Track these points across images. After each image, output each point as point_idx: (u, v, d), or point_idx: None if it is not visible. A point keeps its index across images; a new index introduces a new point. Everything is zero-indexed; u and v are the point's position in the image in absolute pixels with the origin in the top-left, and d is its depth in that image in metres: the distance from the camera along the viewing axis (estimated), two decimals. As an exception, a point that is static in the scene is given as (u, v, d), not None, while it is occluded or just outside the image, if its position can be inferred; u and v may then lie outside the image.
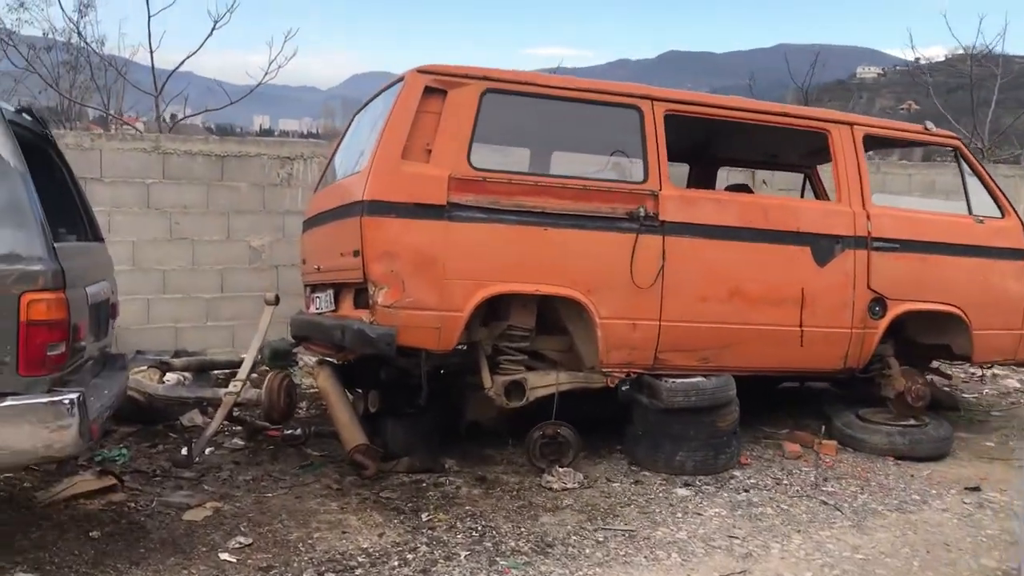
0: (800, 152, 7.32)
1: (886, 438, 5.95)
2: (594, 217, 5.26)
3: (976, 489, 5.33)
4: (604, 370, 5.41)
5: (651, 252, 5.36)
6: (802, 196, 7.84)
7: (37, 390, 3.26)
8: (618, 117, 5.55)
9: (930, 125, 6.42)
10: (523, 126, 5.57)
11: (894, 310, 5.99)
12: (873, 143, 6.15)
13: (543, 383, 5.42)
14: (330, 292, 5.59)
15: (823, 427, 6.19)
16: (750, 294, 5.61)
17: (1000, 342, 6.37)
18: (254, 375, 6.80)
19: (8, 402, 3.19)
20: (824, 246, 5.79)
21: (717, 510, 4.88)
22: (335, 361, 5.88)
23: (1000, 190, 6.49)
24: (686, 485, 5.26)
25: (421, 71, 5.14)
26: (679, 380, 5.43)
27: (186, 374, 6.64)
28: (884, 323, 5.97)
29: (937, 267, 6.11)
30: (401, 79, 5.27)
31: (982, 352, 6.32)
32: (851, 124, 6.11)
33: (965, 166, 6.48)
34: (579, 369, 5.56)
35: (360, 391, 5.92)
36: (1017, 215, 6.46)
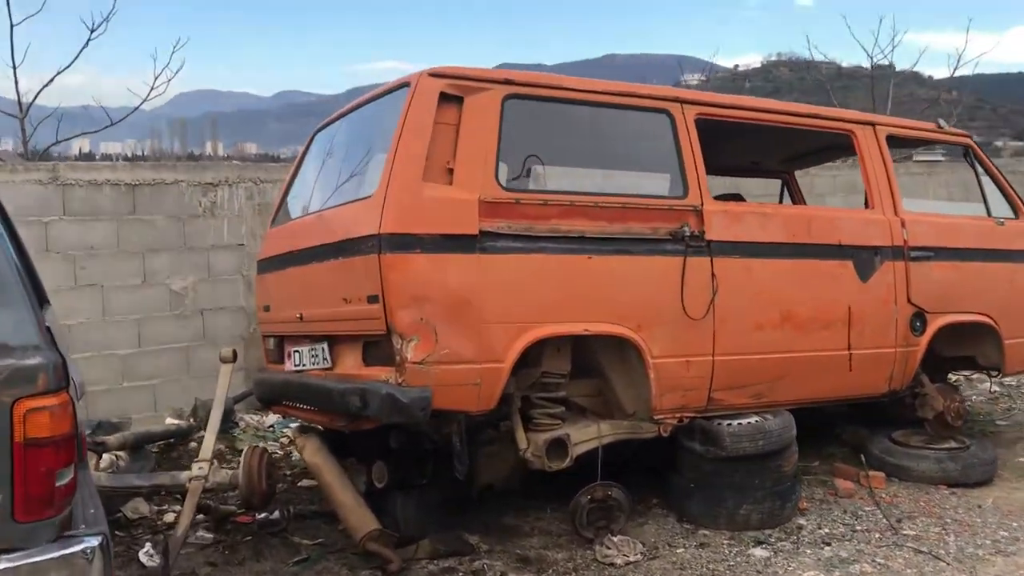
0: (808, 154, 6.82)
1: (936, 464, 5.45)
2: (638, 240, 4.51)
3: (1053, 516, 4.88)
4: (657, 417, 4.65)
5: (701, 277, 4.65)
6: (780, 200, 7.36)
7: (42, 539, 2.21)
8: (649, 123, 4.83)
9: (943, 123, 6.01)
10: (547, 137, 4.76)
11: (934, 324, 5.50)
12: (894, 143, 5.68)
13: (585, 437, 4.61)
14: (322, 346, 4.58)
15: (862, 456, 5.66)
16: (800, 317, 4.99)
17: (1027, 350, 6.01)
18: (193, 444, 5.71)
19: (3, 564, 2.14)
20: (865, 259, 5.24)
21: (812, 573, 4.20)
22: (314, 426, 4.90)
23: (1013, 189, 6.15)
24: (759, 544, 4.57)
25: (434, 75, 4.25)
26: (740, 423, 4.73)
27: (121, 453, 5.44)
28: (925, 339, 5.48)
29: (969, 275, 5.68)
30: (403, 85, 4.36)
31: (1013, 362, 5.93)
32: (873, 124, 5.60)
33: (978, 164, 6.10)
34: (613, 416, 4.80)
35: (354, 461, 4.94)
36: (1031, 214, 6.13)
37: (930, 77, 17.88)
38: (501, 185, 4.23)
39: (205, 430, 6.22)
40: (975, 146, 6.07)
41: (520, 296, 4.19)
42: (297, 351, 4.83)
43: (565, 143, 4.82)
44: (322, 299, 4.48)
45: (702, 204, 4.72)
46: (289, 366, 4.92)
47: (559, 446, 4.46)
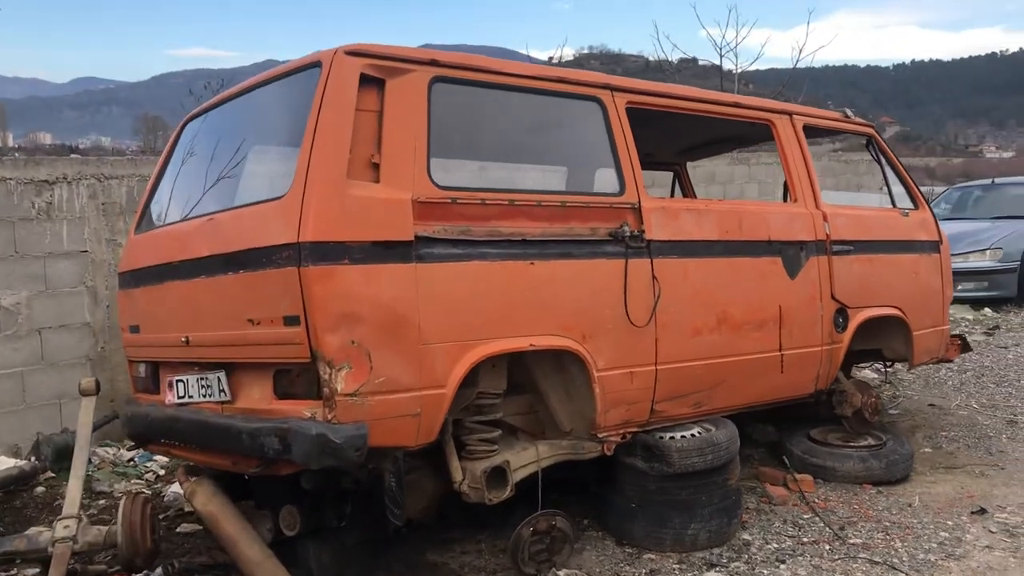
0: (709, 144, 6.57)
1: (861, 463, 5.31)
2: (579, 242, 4.07)
3: (983, 512, 4.82)
4: (600, 435, 4.23)
5: (643, 280, 4.27)
6: (672, 193, 7.12)
7: None
8: (580, 113, 4.38)
9: (849, 112, 5.89)
10: (477, 128, 4.23)
11: (855, 320, 5.36)
12: (809, 133, 5.50)
13: (524, 462, 4.13)
14: (217, 375, 3.86)
15: (784, 458, 5.46)
16: (735, 319, 4.69)
17: (931, 341, 6.00)
18: (40, 489, 4.85)
19: None
20: (793, 255, 5.01)
21: (775, 596, 3.91)
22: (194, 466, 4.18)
23: (912, 180, 6.13)
24: (712, 567, 4.23)
25: (352, 52, 3.63)
26: (685, 436, 4.38)
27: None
28: (848, 335, 5.32)
29: (882, 268, 5.58)
30: (312, 64, 3.72)
31: (920, 353, 5.90)
32: (791, 114, 5.39)
33: (880, 155, 6.03)
34: (547, 435, 4.36)
35: (255, 504, 4.25)
36: (928, 205, 6.13)
37: (729, 72, 18.36)
38: (435, 182, 3.67)
39: (51, 471, 5.34)
40: (878, 136, 5.99)
41: (461, 310, 3.66)
42: (181, 381, 4.08)
43: (496, 134, 4.31)
44: (216, 320, 3.77)
45: (640, 201, 4.33)
46: (170, 398, 4.16)
47: (499, 475, 3.96)
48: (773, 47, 18.17)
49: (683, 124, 5.53)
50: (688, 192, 7.07)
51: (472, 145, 4.30)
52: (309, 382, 3.44)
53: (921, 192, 6.16)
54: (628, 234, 4.21)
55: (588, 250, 4.10)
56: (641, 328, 4.23)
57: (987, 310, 11.15)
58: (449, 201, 3.68)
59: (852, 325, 5.33)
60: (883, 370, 7.06)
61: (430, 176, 3.65)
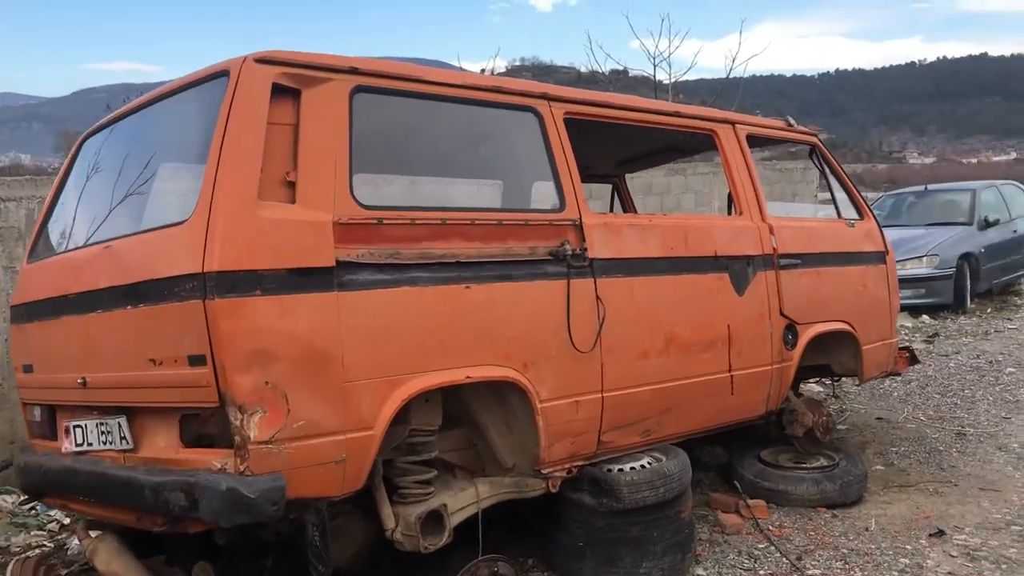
0: (650, 155, 6.33)
1: (815, 486, 5.09)
2: (518, 263, 3.77)
3: (941, 533, 4.64)
4: (545, 470, 3.93)
5: (586, 302, 3.98)
6: (611, 206, 6.87)
7: None
8: (515, 124, 4.09)
9: (791, 121, 5.70)
10: (404, 141, 3.90)
11: (805, 336, 5.15)
12: (752, 143, 5.29)
13: (462, 504, 3.81)
14: (117, 421, 3.46)
15: (736, 483, 5.23)
16: (683, 340, 4.44)
17: (881, 355, 5.83)
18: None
19: None
20: (740, 271, 4.78)
21: (738, 641, 3.64)
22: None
23: (856, 188, 5.96)
24: (667, 607, 3.96)
25: (262, 60, 3.28)
26: (635, 467, 4.10)
27: None
28: (798, 353, 5.11)
29: (830, 281, 5.39)
30: (218, 74, 3.35)
31: (870, 368, 5.72)
32: (733, 123, 5.17)
33: (823, 163, 5.85)
34: (487, 471, 4.05)
35: (165, 560, 3.85)
36: (873, 214, 5.97)
37: (662, 82, 18.34)
38: (358, 201, 3.33)
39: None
40: (821, 144, 5.82)
41: (390, 341, 3.32)
42: (79, 426, 3.66)
43: (426, 148, 3.99)
44: (115, 359, 3.38)
45: (581, 217, 4.05)
46: (67, 445, 3.74)
47: (435, 520, 3.62)
48: (705, 57, 18.18)
49: (623, 135, 5.28)
50: (627, 205, 6.83)
51: (400, 160, 3.97)
52: (218, 429, 3.07)
53: (866, 201, 6.00)
54: (570, 253, 3.92)
55: (528, 271, 3.80)
56: (586, 353, 3.94)
57: (925, 317, 11.16)
58: (374, 222, 3.35)
59: (802, 342, 5.13)
60: (830, 383, 6.89)
61: (353, 195, 3.32)
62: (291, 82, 3.30)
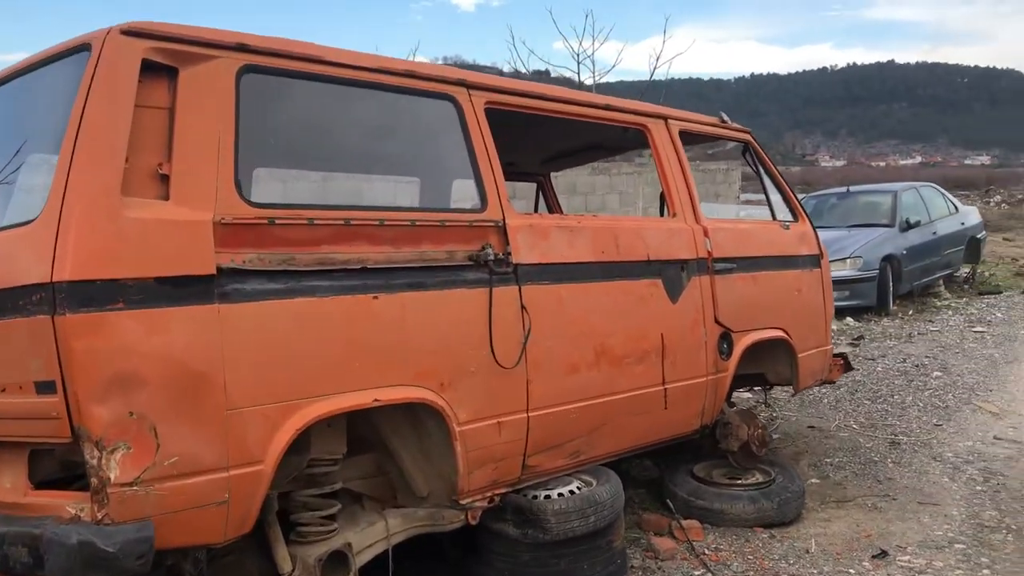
0: (578, 152, 5.97)
1: (752, 505, 4.79)
2: (434, 269, 3.36)
3: (884, 555, 4.38)
4: (464, 500, 3.52)
5: (510, 312, 3.59)
6: (536, 206, 6.50)
7: None
8: (431, 113, 3.68)
9: (725, 117, 5.40)
10: (302, 129, 3.44)
11: (740, 345, 4.85)
12: (685, 140, 4.97)
13: (371, 540, 3.39)
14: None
15: (669, 502, 4.91)
16: (615, 351, 4.08)
17: (816, 363, 5.58)
18: None
19: None
20: (674, 276, 4.45)
21: None
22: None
23: (791, 189, 5.70)
24: (598, 647, 3.59)
25: (130, 32, 2.79)
26: (563, 494, 3.73)
27: None
28: (733, 363, 4.81)
29: (765, 286, 5.10)
30: (79, 48, 2.86)
31: (806, 376, 5.47)
32: (666, 118, 4.83)
33: (757, 162, 5.57)
34: (399, 501, 3.63)
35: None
36: (807, 216, 5.72)
37: (583, 83, 18.17)
38: (245, 199, 2.87)
39: None
40: (755, 142, 5.53)
41: (283, 362, 2.87)
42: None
43: (328, 139, 3.55)
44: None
45: (504, 218, 3.66)
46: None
47: (338, 560, 3.19)
48: (627, 59, 18.03)
49: (549, 130, 4.92)
50: (553, 206, 6.48)
51: (298, 153, 3.53)
52: (73, 468, 2.59)
53: (800, 202, 5.75)
54: (492, 257, 3.52)
55: (444, 278, 3.39)
56: (510, 369, 3.55)
57: (849, 319, 11.09)
58: (265, 222, 2.89)
59: (737, 351, 4.83)
60: (761, 391, 6.64)
61: (239, 191, 2.86)
62: (166, 59, 2.83)
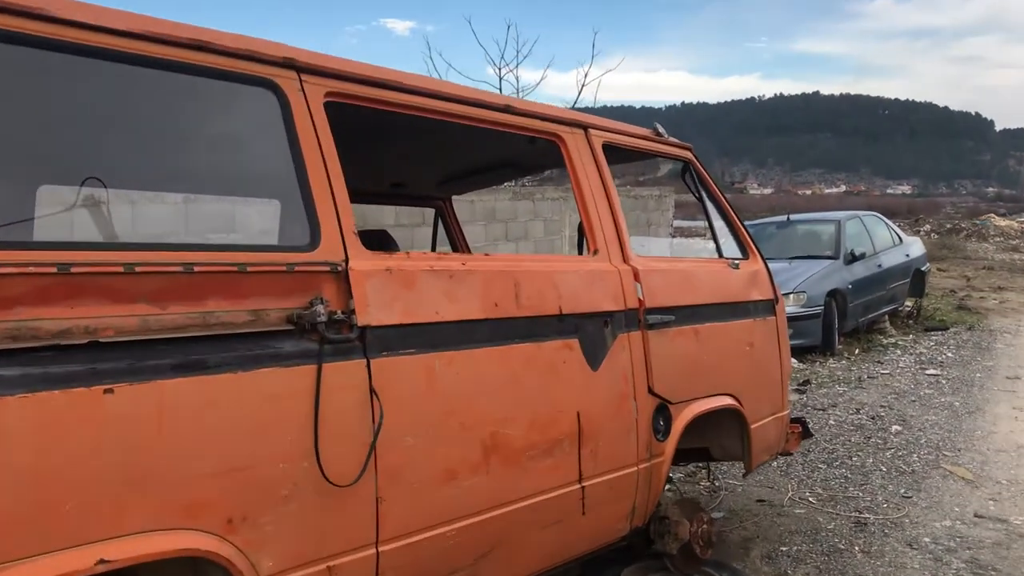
0: (482, 171, 4.85)
1: (696, 628, 3.70)
2: (225, 340, 2.19)
3: None
4: None
5: (351, 400, 2.44)
6: (434, 237, 5.37)
7: None
8: (238, 106, 2.52)
9: (661, 130, 4.34)
10: (25, 118, 2.25)
11: (681, 420, 3.77)
12: (612, 156, 3.89)
13: None
14: None
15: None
16: (513, 444, 2.96)
17: (771, 433, 4.53)
18: None
19: None
20: (594, 334, 3.36)
21: None
22: None
23: (740, 220, 4.66)
24: None
25: None
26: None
27: None
28: (672, 444, 3.72)
29: (712, 342, 4.03)
30: None
31: (759, 452, 4.41)
32: (586, 127, 3.75)
33: (699, 185, 4.52)
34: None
35: None
36: (760, 254, 4.68)
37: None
38: None
39: None
40: (697, 161, 4.49)
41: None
42: None
43: (71, 135, 2.35)
44: None
45: (347, 259, 2.51)
46: None
47: None
48: (554, 84, 17.03)
49: (443, 140, 3.83)
50: (456, 237, 5.36)
51: (10, 156, 2.32)
52: None
53: (751, 235, 4.71)
54: (323, 318, 2.37)
55: (243, 353, 2.23)
56: (348, 487, 2.39)
57: (793, 361, 10.13)
58: None
59: (677, 428, 3.74)
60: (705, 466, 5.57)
61: None
62: None
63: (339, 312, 2.44)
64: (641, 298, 3.60)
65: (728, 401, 4.12)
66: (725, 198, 4.59)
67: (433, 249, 5.39)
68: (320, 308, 2.38)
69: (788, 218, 12.86)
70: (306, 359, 2.35)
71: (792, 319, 9.87)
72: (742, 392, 4.22)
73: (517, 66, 16.02)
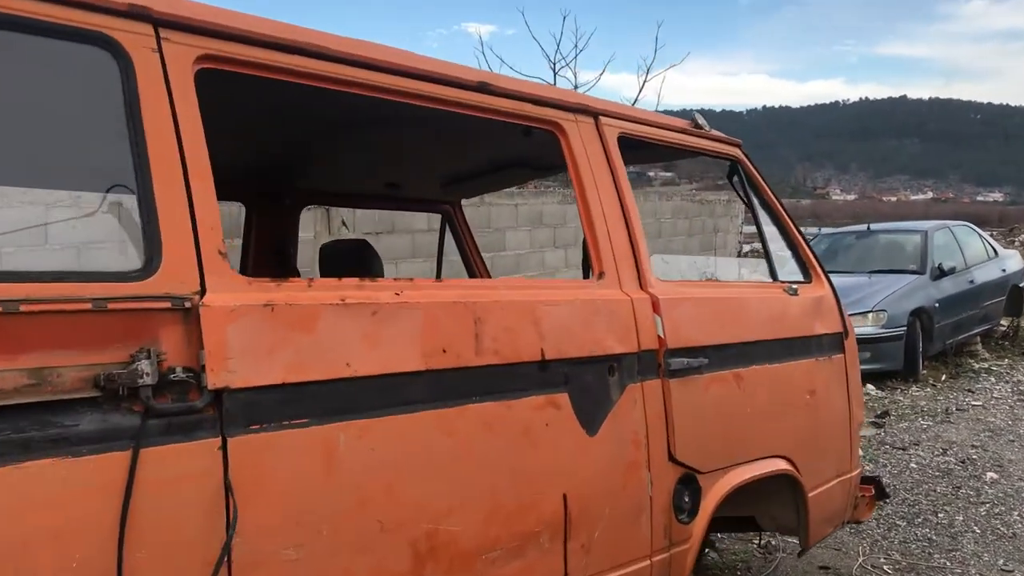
0: (488, 172, 4.08)
1: None
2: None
3: None
4: None
5: (186, 501, 1.67)
6: (439, 246, 4.59)
7: None
8: (57, 69, 1.78)
9: (700, 120, 3.47)
10: None
11: (712, 495, 2.92)
12: (629, 151, 3.07)
13: None
14: None
15: None
16: (460, 543, 2.16)
17: (835, 501, 3.63)
18: None
19: None
20: (592, 386, 2.54)
21: None
22: None
23: (801, 232, 3.77)
24: None
25: None
26: None
27: None
28: (700, 527, 2.87)
29: (759, 390, 3.17)
30: None
31: (819, 524, 3.52)
32: (595, 114, 2.92)
33: (750, 190, 3.64)
34: None
35: None
36: (825, 275, 3.78)
37: None
38: None
39: None
40: (747, 160, 3.61)
41: None
42: None
43: None
44: None
45: (203, 291, 1.75)
46: None
47: None
48: (617, 86, 15.98)
49: (427, 130, 3.07)
50: (467, 248, 4.56)
51: None
52: None
53: (814, 251, 3.80)
54: (150, 380, 1.62)
55: (8, 438, 1.48)
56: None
57: (871, 388, 9.05)
58: None
59: (708, 505, 2.90)
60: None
61: None
62: None
63: (178, 370, 1.68)
64: (662, 335, 2.76)
65: (780, 465, 3.25)
66: (782, 205, 3.70)
67: (439, 261, 4.64)
68: (144, 364, 1.62)
69: (869, 227, 11.72)
70: (113, 442, 1.59)
71: (870, 341, 8.87)
72: (798, 452, 3.34)
73: (575, 58, 14.90)
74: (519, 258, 8.94)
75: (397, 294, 2.13)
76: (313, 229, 7.08)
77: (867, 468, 6.15)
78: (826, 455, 3.56)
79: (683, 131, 3.33)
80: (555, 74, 13.27)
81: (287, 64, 2.10)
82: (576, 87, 13.28)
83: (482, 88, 2.56)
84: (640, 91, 14.26)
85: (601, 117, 2.92)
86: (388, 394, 2.03)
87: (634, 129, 3.05)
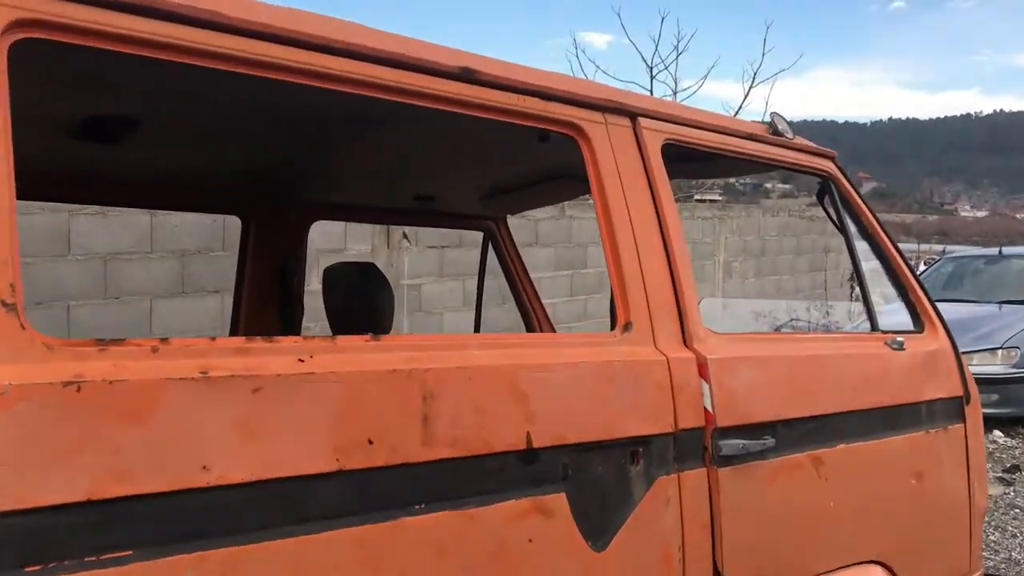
0: (530, 184, 3.46)
1: None
2: None
3: None
4: None
5: None
6: (481, 267, 3.97)
7: None
8: None
9: (782, 126, 2.75)
10: None
11: (772, 622, 2.20)
12: (678, 163, 2.39)
13: None
14: None
15: None
16: None
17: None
18: None
19: None
20: (602, 480, 1.86)
21: None
22: None
23: (910, 265, 2.99)
24: None
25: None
26: None
27: None
28: (756, 663, 2.16)
29: (844, 476, 2.43)
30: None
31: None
32: (633, 113, 2.24)
33: (845, 214, 2.88)
34: None
35: None
36: (942, 322, 2.99)
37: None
38: None
39: None
40: (842, 176, 2.86)
41: None
42: None
43: None
44: None
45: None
46: None
47: None
48: (728, 96, 14.95)
49: (447, 132, 2.48)
50: (513, 269, 3.92)
51: None
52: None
53: (927, 293, 3.01)
54: None
55: None
56: None
57: (998, 435, 7.98)
58: None
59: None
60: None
61: None
62: None
63: None
64: (710, 409, 2.07)
65: (874, 574, 2.49)
66: (887, 233, 2.92)
67: (480, 283, 4.03)
68: None
69: (1001, 251, 10.55)
70: None
71: (999, 382, 7.86)
72: (899, 556, 2.58)
73: (677, 58, 13.72)
74: (602, 276, 8.21)
75: (301, 360, 1.51)
76: (371, 242, 6.56)
77: (991, 539, 5.22)
78: (937, 557, 2.78)
79: (754, 138, 2.61)
80: (652, 78, 12.46)
81: (287, 60, 1.55)
82: (675, 93, 12.42)
83: (465, 76, 1.91)
84: (745, 98, 13.03)
85: (640, 118, 2.24)
86: (272, 508, 1.42)
87: (685, 134, 2.35)
